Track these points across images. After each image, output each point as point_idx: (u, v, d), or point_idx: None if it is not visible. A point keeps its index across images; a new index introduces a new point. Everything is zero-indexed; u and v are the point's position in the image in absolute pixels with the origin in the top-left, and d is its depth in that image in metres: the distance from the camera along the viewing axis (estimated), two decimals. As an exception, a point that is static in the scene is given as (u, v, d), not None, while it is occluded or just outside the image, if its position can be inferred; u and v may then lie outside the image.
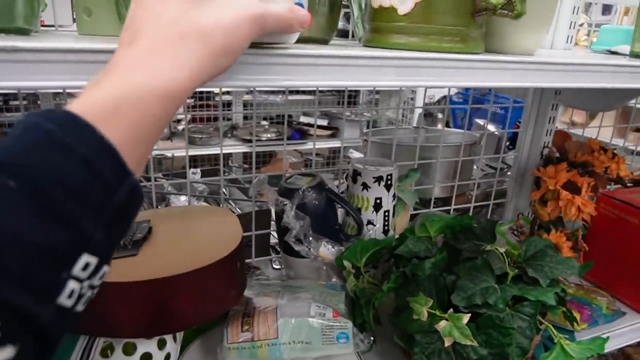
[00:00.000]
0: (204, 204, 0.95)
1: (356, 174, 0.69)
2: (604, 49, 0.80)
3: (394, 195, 0.70)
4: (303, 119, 3.11)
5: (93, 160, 0.21)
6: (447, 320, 0.50)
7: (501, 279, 0.56)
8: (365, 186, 0.68)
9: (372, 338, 0.52)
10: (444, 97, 1.83)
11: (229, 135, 3.00)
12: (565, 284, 0.76)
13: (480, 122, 1.25)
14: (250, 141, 2.97)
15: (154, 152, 2.50)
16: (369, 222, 0.70)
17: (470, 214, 0.94)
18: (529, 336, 0.51)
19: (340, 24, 0.97)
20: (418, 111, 3.11)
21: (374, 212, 0.69)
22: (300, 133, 2.90)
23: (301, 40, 0.51)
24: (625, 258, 0.78)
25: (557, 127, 0.94)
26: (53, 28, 0.51)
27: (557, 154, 0.95)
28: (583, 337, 0.71)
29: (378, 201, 0.69)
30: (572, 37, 0.85)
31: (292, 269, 0.69)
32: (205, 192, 1.01)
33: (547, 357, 0.52)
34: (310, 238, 0.65)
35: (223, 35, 0.27)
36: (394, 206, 0.72)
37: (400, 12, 0.47)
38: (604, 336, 0.71)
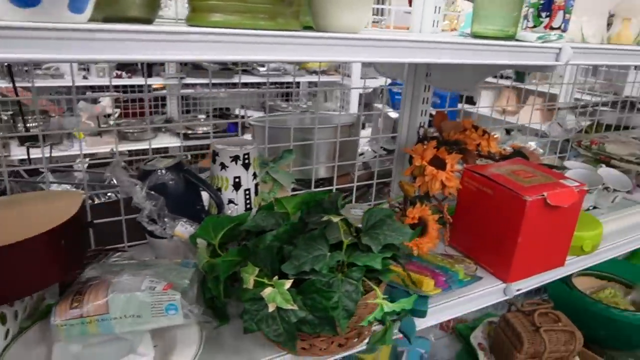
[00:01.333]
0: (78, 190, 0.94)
1: (215, 154, 0.70)
2: (464, 31, 0.85)
3: (254, 174, 0.72)
4: (239, 112, 3.08)
5: None
6: (273, 287, 0.52)
7: (339, 248, 0.59)
8: (223, 166, 0.69)
9: (201, 309, 0.53)
10: (381, 87, 1.89)
11: (164, 129, 2.94)
12: (418, 252, 0.80)
13: (379, 106, 1.30)
14: (186, 135, 2.93)
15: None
16: (230, 201, 0.71)
17: (355, 193, 0.98)
18: (355, 299, 0.54)
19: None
20: (355, 102, 3.16)
21: (234, 191, 0.70)
22: (236, 125, 2.88)
23: (124, 20, 0.51)
24: (484, 227, 0.84)
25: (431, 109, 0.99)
26: None
27: (435, 134, 1.00)
28: (440, 302, 0.76)
29: (237, 180, 0.70)
30: (437, 21, 0.89)
31: (155, 249, 0.69)
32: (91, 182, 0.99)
33: (372, 315, 0.55)
34: (166, 218, 0.65)
35: None
36: (257, 185, 0.73)
37: (206, -11, 0.48)
38: (461, 300, 0.78)
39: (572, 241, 0.87)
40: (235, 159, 0.69)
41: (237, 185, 0.70)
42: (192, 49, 0.46)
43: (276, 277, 0.53)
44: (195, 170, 0.69)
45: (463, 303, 0.78)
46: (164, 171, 0.66)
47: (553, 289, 1.29)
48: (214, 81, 2.97)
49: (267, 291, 0.52)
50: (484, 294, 0.81)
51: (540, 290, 1.47)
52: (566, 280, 1.25)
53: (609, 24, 0.99)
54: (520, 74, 2.68)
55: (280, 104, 3.35)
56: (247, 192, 0.71)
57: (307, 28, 0.61)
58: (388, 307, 0.54)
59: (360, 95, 2.97)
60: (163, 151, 2.92)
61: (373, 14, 1.02)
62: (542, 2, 0.74)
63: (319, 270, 0.54)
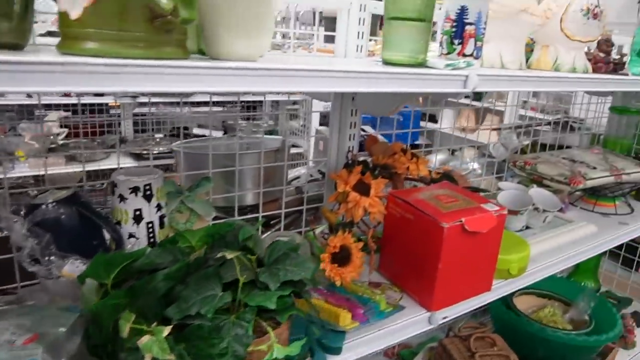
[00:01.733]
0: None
1: (113, 185, 0.66)
2: (385, 57, 0.85)
3: (158, 206, 0.68)
4: (197, 131, 3.03)
5: None
6: (152, 334, 0.48)
7: (236, 286, 0.56)
8: (122, 198, 0.65)
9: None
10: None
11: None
12: (341, 282, 0.77)
13: (323, 128, 1.28)
14: (140, 155, 2.82)
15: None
16: (131, 236, 0.67)
17: (285, 220, 0.95)
18: (245, 343, 0.51)
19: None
20: (315, 122, 3.15)
21: (135, 225, 0.66)
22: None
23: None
24: (408, 254, 0.82)
25: (364, 132, 0.98)
26: None
27: (366, 158, 0.99)
28: (358, 336, 0.73)
29: (138, 213, 0.66)
30: (361, 46, 0.89)
31: (47, 291, 0.64)
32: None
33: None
34: (53, 257, 0.60)
35: None
36: (162, 217, 0.69)
37: (72, 17, 0.45)
38: (382, 332, 0.75)
39: (497, 265, 0.87)
40: (134, 190, 0.65)
41: (137, 219, 0.66)
42: (57, 80, 0.43)
43: (155, 324, 0.49)
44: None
45: (384, 336, 0.75)
46: (52, 205, 0.61)
47: (494, 310, 1.29)
48: (171, 100, 2.91)
49: (144, 340, 0.48)
50: (407, 324, 0.78)
51: (486, 311, 1.47)
52: (507, 301, 1.25)
53: (531, 50, 1.02)
54: (478, 93, 2.76)
55: (241, 122, 3.31)
56: (149, 225, 0.67)
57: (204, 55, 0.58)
58: (278, 350, 0.51)
59: (321, 114, 2.98)
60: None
61: (299, 38, 1.01)
62: (454, 30, 0.75)
63: (205, 313, 0.50)
